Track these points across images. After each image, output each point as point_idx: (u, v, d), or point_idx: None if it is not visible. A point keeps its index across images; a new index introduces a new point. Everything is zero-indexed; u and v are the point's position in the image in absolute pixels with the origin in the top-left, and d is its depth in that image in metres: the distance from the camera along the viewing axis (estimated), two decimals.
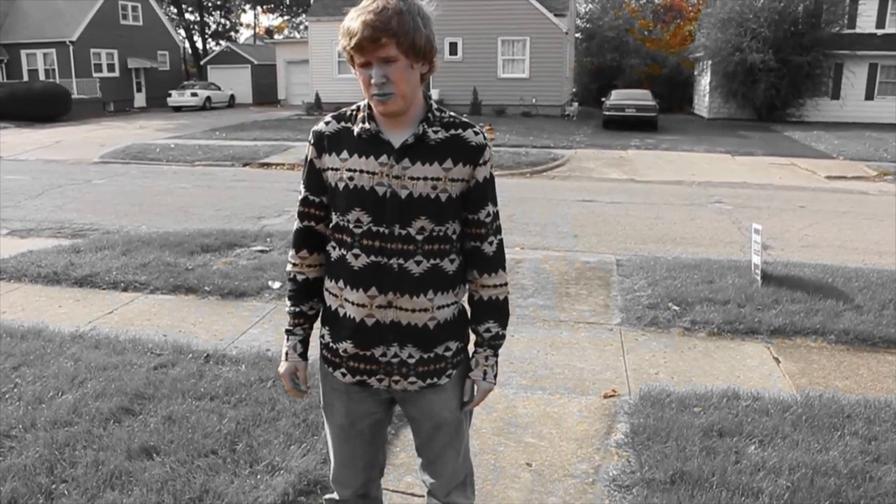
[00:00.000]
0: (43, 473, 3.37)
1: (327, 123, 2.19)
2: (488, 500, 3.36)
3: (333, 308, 2.24)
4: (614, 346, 5.37)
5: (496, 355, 2.34)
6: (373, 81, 2.02)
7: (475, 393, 2.34)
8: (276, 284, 6.50)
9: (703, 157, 18.10)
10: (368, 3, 2.01)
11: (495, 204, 2.23)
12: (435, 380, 2.25)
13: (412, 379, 2.23)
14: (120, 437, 3.69)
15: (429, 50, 2.06)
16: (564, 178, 14.83)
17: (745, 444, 3.76)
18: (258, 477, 3.38)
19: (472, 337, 2.35)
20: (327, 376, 2.33)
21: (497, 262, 2.26)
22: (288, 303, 2.36)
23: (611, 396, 4.51)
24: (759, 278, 6.55)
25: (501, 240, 2.27)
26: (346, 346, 2.22)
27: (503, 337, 2.33)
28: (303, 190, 2.25)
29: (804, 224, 10.19)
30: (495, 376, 2.35)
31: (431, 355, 2.22)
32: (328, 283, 2.25)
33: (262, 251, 7.80)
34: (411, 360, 2.21)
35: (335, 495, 2.51)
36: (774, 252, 8.01)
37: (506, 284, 2.29)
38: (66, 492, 3.25)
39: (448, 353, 2.26)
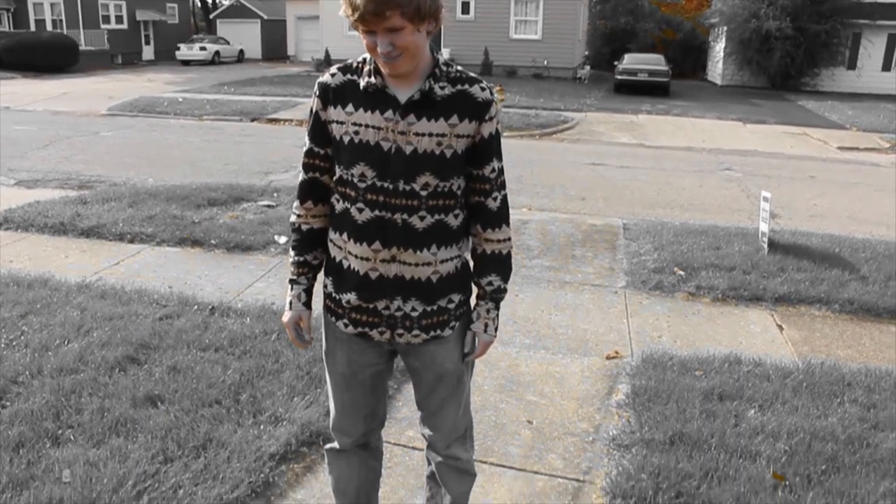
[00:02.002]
0: (49, 419, 3.41)
1: (333, 75, 2.17)
2: (488, 456, 3.40)
3: (338, 260, 2.24)
4: (618, 309, 5.38)
5: (497, 308, 2.35)
6: (379, 50, 2.00)
7: (476, 345, 2.35)
8: (282, 239, 6.51)
9: (715, 124, 17.94)
10: None
11: (500, 159, 2.21)
12: (438, 332, 2.26)
13: (416, 332, 2.24)
14: (125, 385, 3.73)
15: (434, 9, 2.02)
16: (574, 141, 14.73)
17: (745, 408, 3.78)
18: (261, 427, 3.42)
19: (474, 290, 2.35)
20: (330, 325, 2.34)
21: (501, 217, 2.25)
22: (292, 252, 2.36)
23: (613, 358, 4.53)
24: (765, 246, 6.53)
25: (506, 195, 2.26)
26: (349, 297, 2.22)
27: (505, 291, 2.33)
28: (308, 141, 2.24)
29: (813, 194, 10.12)
30: (496, 329, 2.36)
31: (434, 308, 2.23)
32: (332, 235, 2.25)
33: (268, 206, 7.80)
34: (414, 314, 2.21)
35: (336, 444, 2.54)
36: (782, 221, 7.98)
37: (509, 239, 2.29)
38: (72, 437, 3.29)
39: (451, 306, 2.26)
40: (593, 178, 10.65)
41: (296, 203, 2.32)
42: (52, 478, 2.97)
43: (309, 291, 2.39)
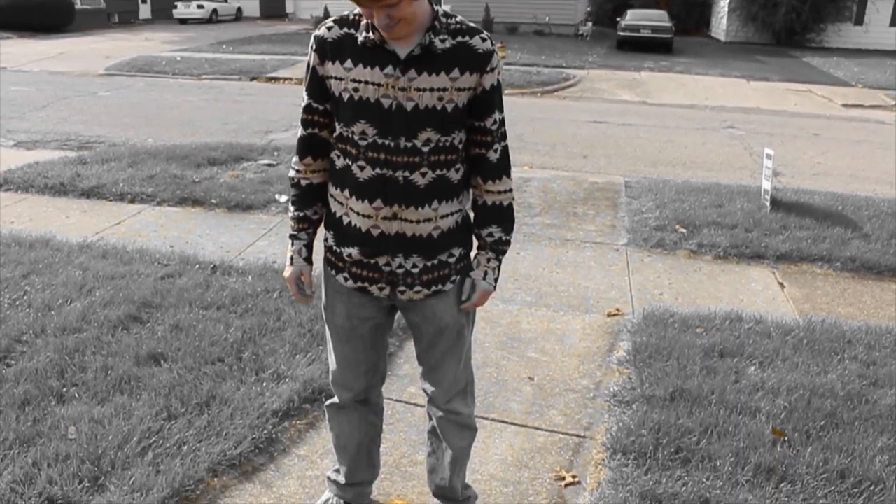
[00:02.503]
0: (54, 377, 3.43)
1: (329, 29, 2.12)
2: (489, 412, 3.43)
3: (338, 215, 2.23)
4: (620, 266, 5.38)
5: (498, 259, 2.33)
6: (376, 23, 1.96)
7: (473, 293, 2.33)
8: (283, 198, 6.49)
9: (718, 81, 17.77)
10: None
11: (501, 111, 2.18)
12: (439, 286, 2.26)
13: (417, 288, 2.23)
14: (128, 343, 3.75)
15: None
16: (576, 99, 14.61)
17: (745, 365, 3.80)
18: (264, 384, 3.44)
19: (475, 242, 2.34)
20: (330, 278, 2.34)
21: (501, 168, 2.23)
22: (291, 208, 2.35)
23: (614, 315, 4.54)
24: (768, 204, 6.51)
25: (506, 146, 2.24)
26: (351, 251, 2.22)
27: (506, 242, 2.32)
28: (306, 97, 2.20)
29: (817, 152, 10.06)
30: (496, 280, 2.35)
31: (435, 262, 2.22)
32: (333, 191, 2.23)
33: (269, 165, 7.77)
34: (416, 270, 2.21)
35: (336, 400, 2.56)
36: (785, 179, 7.93)
37: (510, 191, 2.27)
38: (76, 395, 3.31)
39: (451, 260, 2.26)
40: (595, 135, 10.58)
41: (294, 159, 2.30)
42: (58, 434, 3.00)
43: (310, 247, 2.38)
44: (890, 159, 9.74)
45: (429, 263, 2.21)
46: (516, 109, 12.21)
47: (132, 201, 6.49)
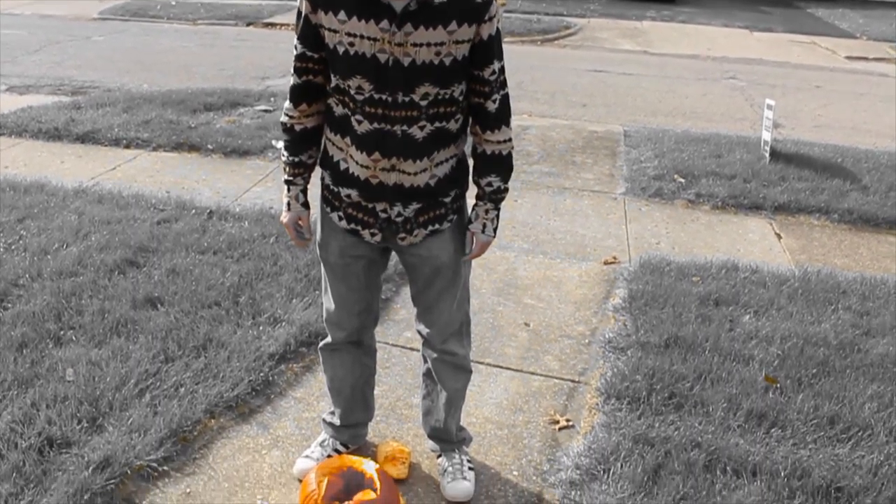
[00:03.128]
0: (51, 320, 3.44)
1: None
2: (485, 357, 3.45)
3: (336, 159, 2.21)
4: (617, 215, 5.38)
5: (497, 209, 2.33)
6: None
7: (474, 245, 2.34)
8: (280, 143, 6.39)
9: (721, 32, 17.51)
10: None
11: (501, 59, 2.13)
12: (436, 226, 2.27)
13: (416, 231, 2.24)
14: (125, 287, 3.75)
15: None
16: (576, 48, 14.41)
17: (740, 314, 3.82)
18: (260, 328, 3.45)
19: (473, 189, 2.33)
20: (326, 215, 2.34)
21: (500, 118, 2.19)
22: (285, 153, 2.32)
23: (611, 263, 4.55)
24: (767, 155, 6.47)
25: (506, 95, 2.20)
26: (349, 192, 2.21)
27: (505, 191, 2.31)
28: (299, 46, 2.14)
29: (818, 104, 9.96)
30: (495, 230, 2.35)
31: (431, 202, 2.22)
32: (332, 136, 2.21)
33: (265, 111, 7.69)
34: (412, 214, 2.21)
35: (329, 340, 2.57)
36: (785, 131, 7.88)
37: (509, 140, 2.24)
38: (73, 337, 3.33)
39: (447, 199, 2.26)
40: (595, 84, 10.46)
41: (288, 105, 2.25)
42: (56, 376, 3.02)
43: (306, 191, 2.37)
44: (892, 113, 9.65)
45: (425, 204, 2.21)
46: (516, 58, 12.04)
47: (128, 146, 6.44)
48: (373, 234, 2.26)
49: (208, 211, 4.85)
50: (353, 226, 2.27)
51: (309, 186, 2.39)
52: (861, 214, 5.45)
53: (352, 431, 2.73)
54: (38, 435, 2.66)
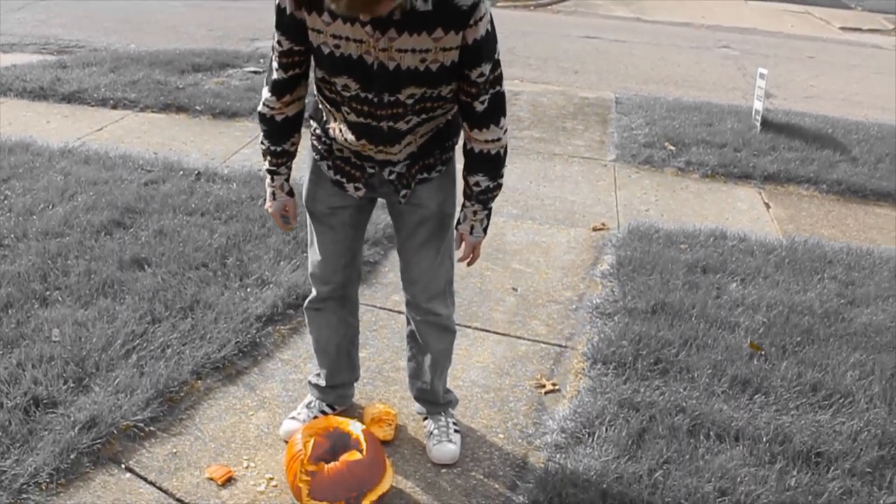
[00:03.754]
0: (36, 280, 3.42)
1: None
2: (472, 321, 3.46)
3: (327, 121, 2.21)
4: (607, 182, 5.37)
5: (486, 209, 2.31)
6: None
7: (463, 247, 2.36)
8: (260, 135, 6.40)
9: (715, 1, 17.40)
10: None
11: (490, 60, 2.03)
12: (425, 175, 2.27)
13: (406, 182, 2.26)
14: (111, 248, 3.72)
15: None
16: (569, 14, 14.30)
17: (727, 281, 3.84)
18: (248, 290, 3.44)
19: (461, 183, 2.34)
20: (314, 163, 2.33)
21: (489, 116, 2.11)
22: (266, 142, 2.28)
23: (599, 230, 4.55)
24: (758, 124, 6.46)
25: (497, 94, 2.10)
26: (339, 147, 2.22)
27: (494, 190, 2.27)
28: (284, 41, 2.04)
29: (810, 75, 9.95)
30: (485, 229, 2.36)
31: (419, 158, 2.24)
32: (324, 103, 2.17)
33: (254, 72, 7.61)
34: (403, 170, 2.23)
35: (315, 294, 2.57)
36: (777, 101, 7.86)
37: (499, 140, 2.17)
38: (59, 298, 3.31)
39: (436, 151, 2.26)
40: (587, 51, 10.40)
41: (269, 97, 2.17)
42: (42, 337, 3.01)
43: (289, 179, 2.37)
44: (884, 85, 9.65)
45: (413, 162, 2.23)
46: (509, 23, 11.93)
47: (114, 107, 6.36)
48: (357, 189, 2.27)
49: (196, 172, 4.81)
50: (338, 177, 2.27)
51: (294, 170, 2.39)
52: (849, 185, 5.47)
53: (338, 392, 2.74)
54: (24, 395, 2.65)
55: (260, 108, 2.24)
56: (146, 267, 3.58)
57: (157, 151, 5.30)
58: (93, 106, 6.37)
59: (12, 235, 3.80)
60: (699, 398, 2.89)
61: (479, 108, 2.10)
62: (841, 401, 2.94)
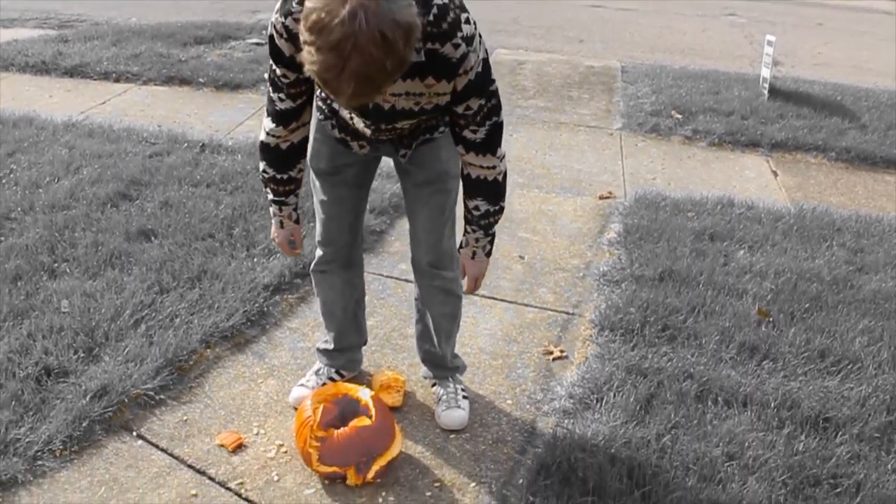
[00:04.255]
0: (44, 253, 3.43)
1: (297, 21, 1.81)
2: (480, 289, 3.44)
3: (334, 105, 2.20)
4: (613, 151, 5.34)
5: (488, 235, 2.29)
6: None
7: (467, 273, 2.37)
8: (261, 164, 6.39)
9: None
10: (336, 57, 1.57)
11: (481, 96, 1.97)
12: (427, 136, 2.25)
13: (413, 144, 2.26)
14: (118, 220, 3.73)
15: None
16: None
17: (734, 249, 3.82)
18: (255, 259, 3.45)
19: (461, 204, 2.34)
20: (318, 122, 2.31)
21: (483, 146, 2.08)
22: (271, 171, 2.23)
23: (606, 198, 4.54)
24: (766, 92, 6.41)
25: (493, 125, 2.04)
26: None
27: (494, 214, 2.24)
28: (289, 74, 1.97)
29: (819, 42, 9.84)
30: (488, 254, 2.35)
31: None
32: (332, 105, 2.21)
33: (257, 44, 7.58)
34: (405, 134, 2.24)
35: (320, 254, 2.57)
36: (785, 68, 7.79)
37: (495, 167, 2.13)
38: (67, 270, 3.32)
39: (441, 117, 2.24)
40: (592, 20, 10.30)
41: (274, 127, 2.12)
42: (51, 308, 3.02)
43: (297, 207, 2.39)
44: (893, 51, 9.54)
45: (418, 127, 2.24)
46: None
47: (117, 80, 6.34)
48: (361, 147, 2.26)
49: (201, 144, 4.80)
50: (343, 135, 2.26)
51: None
52: (859, 153, 5.42)
53: (347, 356, 2.75)
54: (36, 364, 2.67)
55: (263, 138, 2.19)
56: (153, 238, 3.58)
57: (160, 124, 5.28)
58: (95, 80, 6.36)
59: (19, 209, 3.80)
60: (707, 364, 2.89)
61: (470, 136, 2.06)
62: (849, 367, 2.94)
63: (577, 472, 2.31)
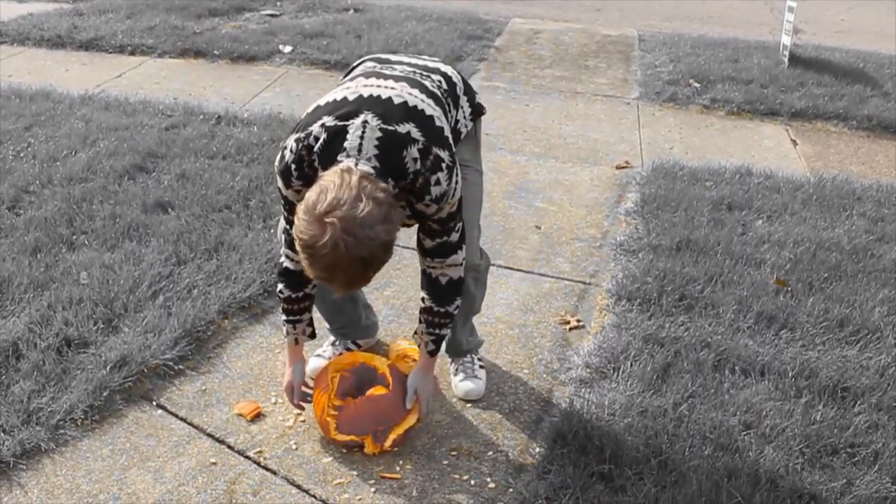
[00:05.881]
0: (63, 225, 3.45)
1: (298, 192, 1.99)
2: (496, 258, 3.44)
3: None
4: (630, 120, 5.30)
5: (430, 332, 2.31)
6: None
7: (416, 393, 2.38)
8: (287, 48, 6.35)
9: None
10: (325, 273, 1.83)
11: (443, 234, 2.12)
12: None
13: None
14: (135, 192, 3.75)
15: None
16: None
17: (753, 218, 3.79)
18: (271, 231, 3.45)
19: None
20: None
21: (433, 252, 2.16)
22: (287, 291, 2.30)
23: (623, 168, 4.50)
24: (786, 60, 6.31)
25: (446, 242, 2.14)
26: None
27: (437, 314, 2.26)
28: None
29: (841, 9, 9.65)
30: (431, 353, 2.35)
31: None
32: None
33: (271, 15, 7.55)
34: None
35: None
36: (806, 36, 7.64)
37: (445, 275, 2.20)
38: (86, 242, 3.34)
39: None
40: None
41: (293, 252, 2.15)
42: (71, 279, 3.05)
43: (311, 323, 2.40)
44: None
45: None
46: None
47: (132, 53, 6.34)
48: None
49: (216, 116, 4.81)
50: None
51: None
52: (881, 121, 5.35)
53: (349, 330, 2.73)
54: (56, 335, 2.70)
55: (285, 263, 2.26)
56: (170, 210, 3.60)
57: (176, 97, 5.28)
58: (111, 53, 6.36)
59: (38, 182, 3.83)
60: (724, 334, 2.88)
61: (427, 243, 2.15)
62: (868, 336, 2.91)
63: (593, 440, 2.32)
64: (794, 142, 5.09)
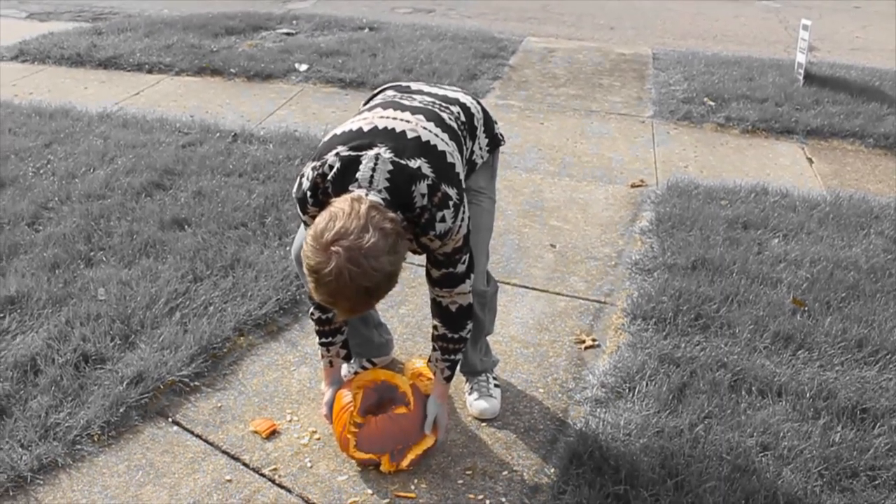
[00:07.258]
0: (81, 241, 3.49)
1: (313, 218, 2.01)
2: (511, 277, 3.45)
3: None
4: (645, 138, 5.29)
5: (445, 358, 2.33)
6: None
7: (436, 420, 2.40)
8: (303, 67, 6.40)
9: None
10: (329, 297, 1.86)
11: (449, 265, 2.13)
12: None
13: None
14: (152, 209, 3.78)
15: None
16: None
17: (768, 237, 3.77)
18: (287, 248, 3.46)
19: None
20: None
21: (440, 282, 2.18)
22: (317, 312, 2.36)
23: (638, 186, 4.50)
24: (801, 78, 6.29)
25: (451, 273, 2.15)
26: None
27: (452, 340, 2.28)
28: None
29: (856, 26, 9.63)
30: (447, 378, 2.38)
31: None
32: None
33: (287, 34, 7.61)
34: None
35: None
36: (821, 53, 7.64)
37: (454, 302, 2.21)
38: (104, 258, 3.37)
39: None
40: (623, 7, 10.17)
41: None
42: (88, 295, 3.07)
43: (345, 345, 2.45)
44: None
45: None
46: None
47: (150, 71, 6.41)
48: None
49: (233, 134, 4.84)
50: None
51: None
52: None
53: (363, 349, 2.73)
54: (74, 351, 2.72)
55: (312, 314, 2.37)
56: (186, 227, 3.62)
57: (193, 114, 5.33)
58: (129, 71, 6.44)
59: (56, 198, 3.87)
60: (741, 353, 2.86)
61: (434, 272, 2.16)
62: (887, 357, 2.89)
63: (609, 461, 2.31)
64: (810, 160, 5.07)
